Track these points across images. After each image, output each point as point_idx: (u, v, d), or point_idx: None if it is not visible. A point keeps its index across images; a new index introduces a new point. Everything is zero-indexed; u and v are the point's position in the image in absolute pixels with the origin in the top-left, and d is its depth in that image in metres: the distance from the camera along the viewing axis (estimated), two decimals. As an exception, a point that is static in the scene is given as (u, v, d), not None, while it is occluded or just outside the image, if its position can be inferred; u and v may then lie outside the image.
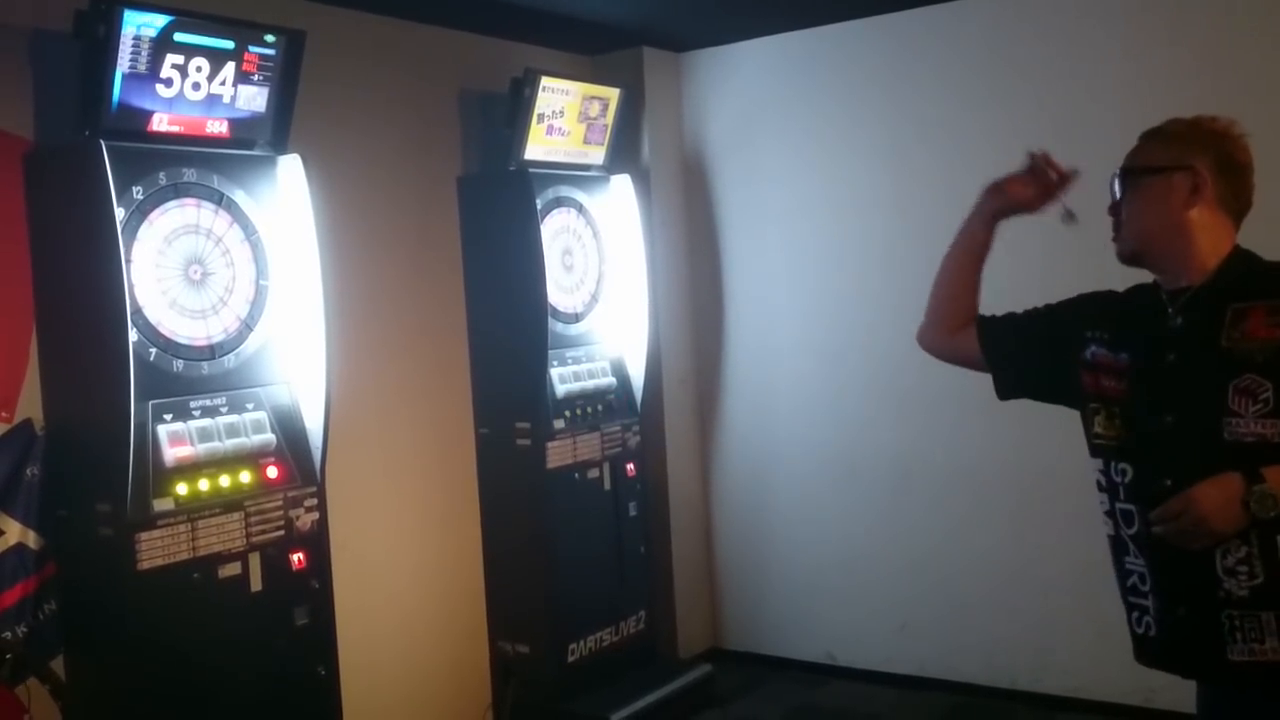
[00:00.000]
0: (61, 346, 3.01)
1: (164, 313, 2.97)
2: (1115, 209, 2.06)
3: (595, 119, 4.48)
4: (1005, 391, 2.26)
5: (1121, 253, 2.06)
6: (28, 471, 2.93)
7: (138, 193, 2.92)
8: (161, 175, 2.97)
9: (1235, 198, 1.99)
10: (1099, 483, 2.06)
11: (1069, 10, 4.25)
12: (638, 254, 4.59)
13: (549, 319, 4.16)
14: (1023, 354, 2.21)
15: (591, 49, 4.89)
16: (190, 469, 2.98)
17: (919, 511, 4.62)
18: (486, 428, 4.31)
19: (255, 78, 3.14)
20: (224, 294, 3.12)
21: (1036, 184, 2.20)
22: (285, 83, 3.21)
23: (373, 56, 4.03)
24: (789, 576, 4.95)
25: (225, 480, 3.04)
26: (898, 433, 4.64)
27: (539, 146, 4.25)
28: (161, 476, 2.92)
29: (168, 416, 2.97)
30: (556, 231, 4.33)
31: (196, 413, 3.03)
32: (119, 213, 2.80)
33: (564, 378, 4.28)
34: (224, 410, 3.09)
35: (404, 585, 4.06)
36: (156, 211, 2.96)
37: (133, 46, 2.83)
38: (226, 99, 3.10)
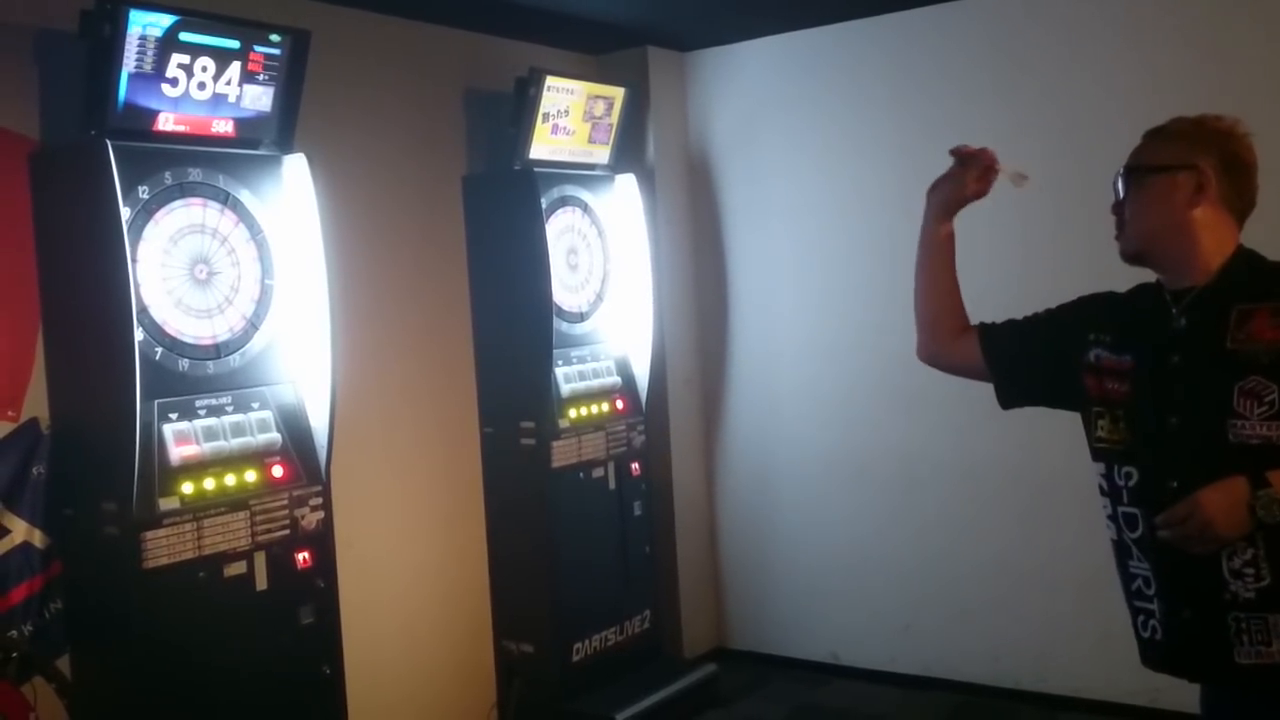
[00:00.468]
0: (67, 346, 3.02)
1: (170, 312, 2.98)
2: (1118, 208, 2.05)
3: (600, 118, 4.48)
4: (1008, 400, 2.24)
5: (1125, 252, 2.04)
6: (34, 470, 2.93)
7: (143, 192, 2.92)
8: (167, 175, 2.98)
9: (1239, 197, 1.98)
10: (1101, 487, 2.05)
11: (1074, 7, 4.24)
12: (642, 253, 4.59)
13: (554, 318, 4.16)
14: (1025, 360, 2.19)
15: (596, 48, 4.89)
16: (196, 468, 2.98)
17: (924, 512, 4.62)
18: (491, 427, 4.31)
19: (260, 77, 3.14)
20: (229, 293, 3.13)
21: (973, 171, 2.25)
22: (290, 82, 3.21)
23: (378, 56, 4.03)
24: (793, 576, 4.94)
25: (230, 479, 3.05)
26: (903, 433, 4.64)
27: (544, 146, 4.25)
28: (167, 475, 2.92)
29: (173, 415, 2.97)
30: (561, 231, 4.33)
31: (202, 412, 3.03)
32: (125, 212, 2.81)
33: (569, 377, 4.28)
34: (229, 409, 3.10)
35: (409, 584, 4.07)
36: (162, 211, 2.97)
37: (138, 46, 2.84)
38: (232, 98, 3.10)
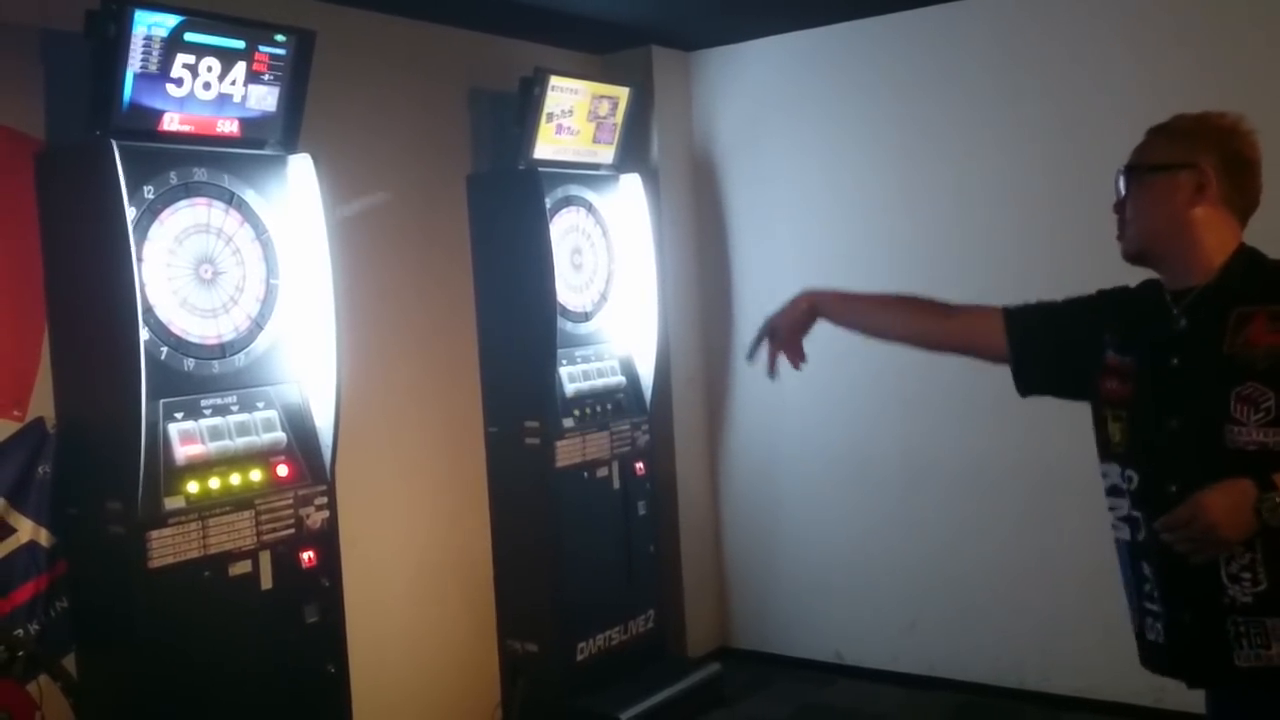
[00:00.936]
0: (73, 345, 3.02)
1: (175, 311, 2.98)
2: (1120, 207, 2.03)
3: (604, 118, 4.48)
4: (1028, 387, 2.19)
5: (1126, 251, 2.03)
6: (39, 470, 2.94)
7: (149, 192, 2.93)
8: (172, 174, 2.98)
9: (1242, 195, 1.97)
10: (1109, 488, 2.05)
11: (1077, 8, 4.24)
12: (647, 253, 4.59)
13: (558, 318, 4.16)
14: (1049, 352, 2.15)
15: (601, 48, 4.89)
16: (201, 467, 2.99)
17: (928, 511, 4.61)
18: (496, 426, 4.31)
19: (266, 77, 3.14)
20: (235, 293, 3.13)
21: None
22: (295, 82, 3.21)
23: (382, 56, 4.03)
24: (798, 576, 4.94)
25: (236, 479, 3.05)
26: (907, 432, 4.63)
27: (548, 145, 4.25)
28: (172, 475, 2.93)
29: (178, 415, 2.98)
30: (566, 230, 4.34)
31: (207, 411, 3.04)
32: (130, 212, 2.81)
33: (573, 376, 4.28)
34: (234, 409, 3.10)
35: (413, 583, 4.07)
36: (167, 211, 2.97)
37: (143, 46, 2.84)
38: (237, 98, 3.10)
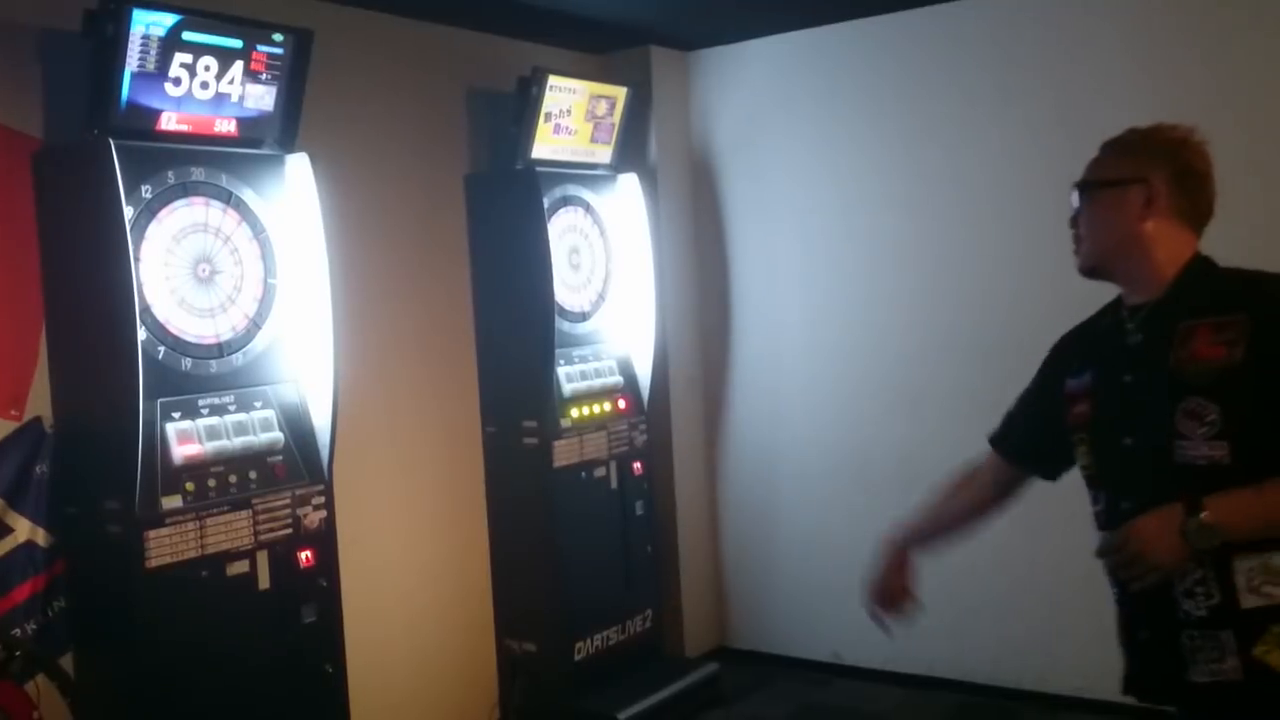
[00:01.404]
0: (70, 345, 3.02)
1: (172, 311, 2.98)
2: (1075, 222, 2.03)
3: (602, 118, 4.48)
4: (1052, 474, 2.22)
5: (1081, 266, 2.03)
6: (37, 469, 2.94)
7: (146, 191, 2.92)
8: (170, 174, 2.98)
9: (1194, 207, 1.96)
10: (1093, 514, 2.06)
11: (1075, 8, 4.24)
12: (645, 252, 4.59)
13: (556, 318, 4.16)
14: (1036, 438, 2.18)
15: (599, 48, 4.89)
16: (198, 467, 2.98)
17: (926, 511, 4.61)
18: (493, 426, 4.31)
19: (263, 76, 3.14)
20: (232, 292, 3.13)
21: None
22: (293, 82, 3.21)
23: (380, 55, 4.03)
24: (795, 575, 4.94)
25: (233, 478, 3.05)
26: (904, 432, 4.63)
27: (546, 145, 4.25)
28: (170, 474, 2.93)
29: (176, 414, 2.98)
30: (563, 230, 4.33)
31: (205, 411, 3.04)
32: (128, 211, 2.81)
33: (571, 376, 4.28)
34: (232, 408, 3.10)
35: (411, 583, 4.07)
36: (165, 210, 2.97)
37: (141, 45, 2.84)
38: (235, 98, 3.10)
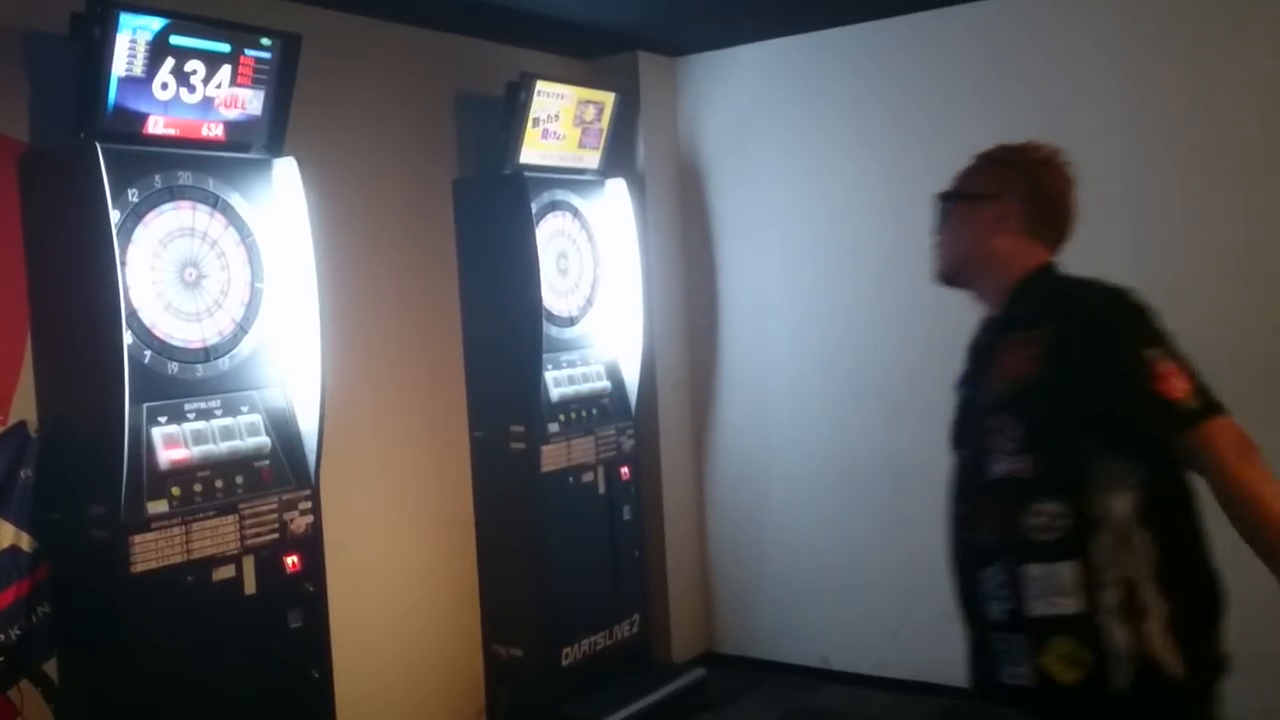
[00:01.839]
0: (56, 349, 3.01)
1: (159, 315, 2.97)
2: (936, 230, 2.06)
3: (590, 123, 4.48)
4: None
5: (935, 274, 2.06)
6: (21, 474, 2.92)
7: (133, 195, 2.92)
8: (157, 178, 2.97)
9: (1049, 226, 1.97)
10: None
11: (1062, 14, 4.26)
12: (632, 257, 4.59)
13: (544, 322, 4.16)
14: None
15: (587, 53, 4.90)
16: (184, 472, 2.97)
17: (914, 515, 4.61)
18: (481, 431, 4.31)
19: (251, 81, 3.14)
20: (219, 296, 3.12)
21: None
22: (281, 86, 3.21)
23: (368, 60, 4.03)
24: (783, 580, 4.95)
25: (219, 483, 3.04)
26: (892, 436, 4.64)
27: (534, 150, 4.25)
28: (156, 479, 2.91)
29: (162, 419, 2.97)
30: (551, 235, 4.33)
31: (191, 415, 3.03)
32: (114, 215, 2.80)
33: (558, 381, 4.28)
34: (218, 413, 3.09)
35: (398, 588, 4.06)
36: (152, 214, 2.96)
37: (128, 49, 2.83)
38: (222, 102, 3.09)
